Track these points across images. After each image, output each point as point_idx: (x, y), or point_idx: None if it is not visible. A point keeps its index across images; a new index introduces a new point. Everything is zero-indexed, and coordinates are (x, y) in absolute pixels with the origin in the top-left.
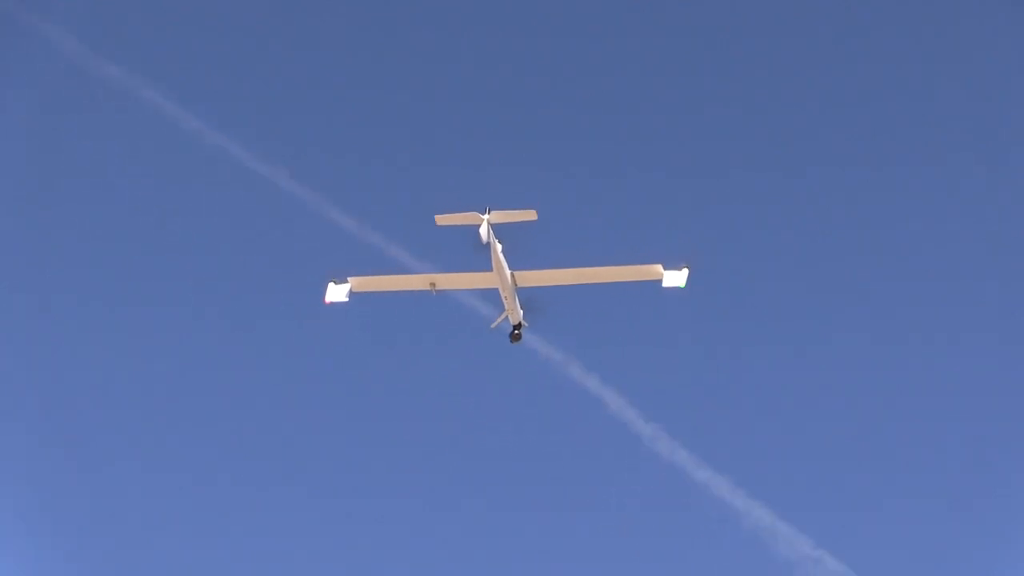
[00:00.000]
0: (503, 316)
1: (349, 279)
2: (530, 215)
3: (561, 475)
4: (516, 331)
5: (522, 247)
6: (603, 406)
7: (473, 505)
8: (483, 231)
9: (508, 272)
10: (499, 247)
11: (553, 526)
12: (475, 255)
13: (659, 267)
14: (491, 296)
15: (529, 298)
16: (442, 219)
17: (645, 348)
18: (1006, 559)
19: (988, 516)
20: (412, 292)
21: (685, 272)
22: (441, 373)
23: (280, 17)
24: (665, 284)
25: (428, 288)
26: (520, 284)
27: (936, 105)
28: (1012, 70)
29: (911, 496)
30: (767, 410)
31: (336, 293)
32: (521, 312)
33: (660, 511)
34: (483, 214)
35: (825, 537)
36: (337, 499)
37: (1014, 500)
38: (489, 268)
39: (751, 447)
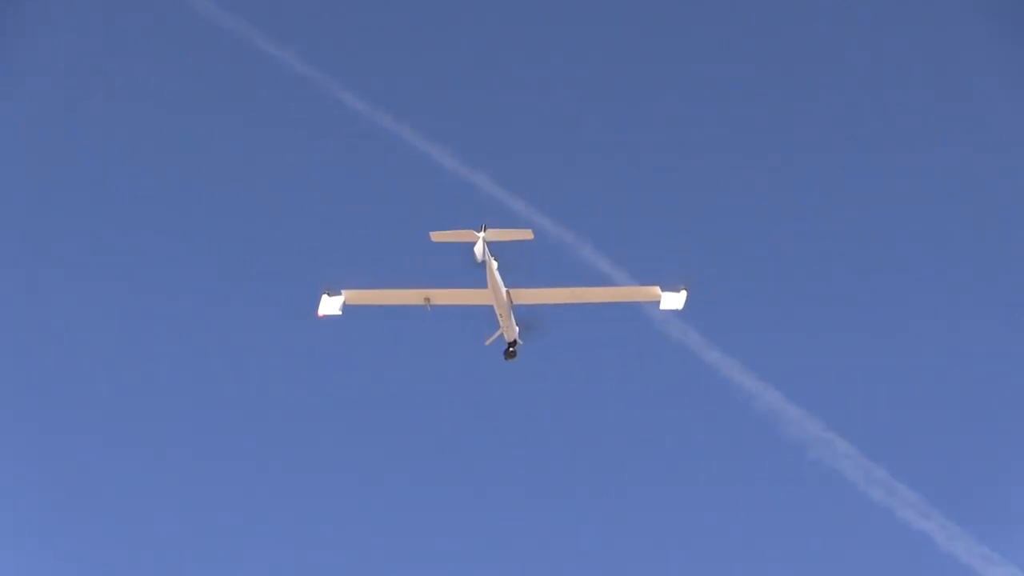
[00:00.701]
0: (498, 333)
1: (343, 292)
2: (526, 234)
3: (574, 373)
4: (511, 348)
5: (518, 265)
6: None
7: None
8: (478, 250)
9: (504, 290)
10: (494, 264)
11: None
12: (471, 271)
13: (656, 289)
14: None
15: (526, 316)
16: (437, 236)
17: (655, 225)
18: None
19: (998, 397)
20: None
21: (683, 294)
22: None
23: None
24: (663, 307)
25: (423, 303)
26: (516, 302)
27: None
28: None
29: (922, 378)
30: (778, 292)
31: (329, 306)
32: (516, 329)
33: (669, 394)
34: (479, 232)
35: (835, 419)
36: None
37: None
38: (484, 284)
39: (761, 328)
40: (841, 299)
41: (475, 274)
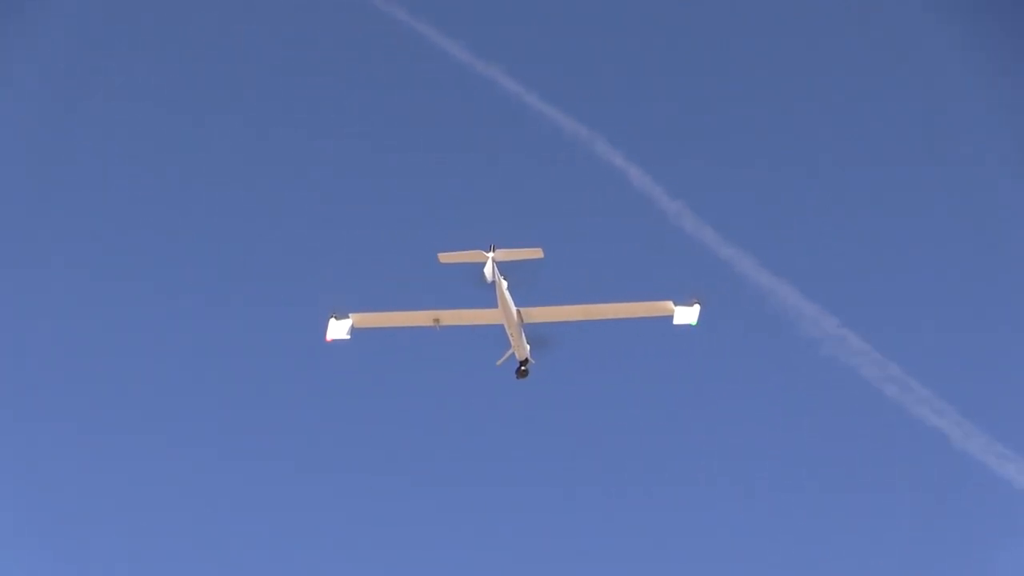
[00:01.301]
0: (509, 352)
1: (351, 315)
2: (536, 253)
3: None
4: (522, 367)
5: (529, 283)
6: (627, 182)
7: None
8: (488, 270)
9: (514, 309)
10: (504, 284)
11: None
12: (480, 291)
13: (670, 303)
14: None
15: (537, 334)
16: (446, 257)
17: (671, 125)
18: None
19: (1016, 295)
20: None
21: (696, 308)
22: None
23: None
24: (676, 321)
25: (432, 324)
26: (526, 320)
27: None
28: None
29: (938, 275)
30: (793, 187)
31: (337, 330)
32: (527, 348)
33: (684, 290)
34: (487, 252)
35: (849, 316)
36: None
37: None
38: (494, 304)
39: (777, 224)
40: (857, 196)
41: (485, 293)
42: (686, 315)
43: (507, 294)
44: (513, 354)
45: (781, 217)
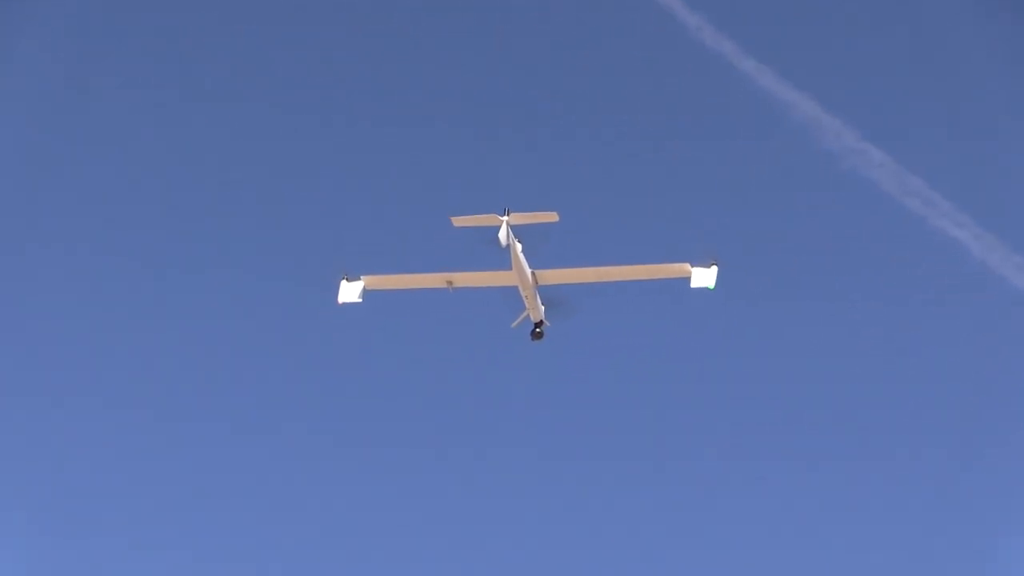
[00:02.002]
0: (524, 315)
1: (362, 277)
2: (551, 217)
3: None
4: (537, 329)
5: (543, 246)
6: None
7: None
8: (502, 234)
9: (528, 271)
10: (519, 247)
11: None
12: (494, 253)
13: (686, 265)
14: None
15: (551, 296)
16: (459, 221)
17: None
18: None
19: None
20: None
21: (714, 270)
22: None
23: None
24: (693, 284)
25: (445, 286)
26: (541, 282)
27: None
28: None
29: (961, 87)
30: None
31: (349, 292)
32: (543, 309)
33: (703, 102)
34: (502, 215)
35: (870, 129)
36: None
37: None
38: (508, 266)
39: (797, 32)
40: (884, 13)
41: (499, 254)
42: (704, 277)
43: (522, 257)
44: (528, 316)
45: (801, 28)
